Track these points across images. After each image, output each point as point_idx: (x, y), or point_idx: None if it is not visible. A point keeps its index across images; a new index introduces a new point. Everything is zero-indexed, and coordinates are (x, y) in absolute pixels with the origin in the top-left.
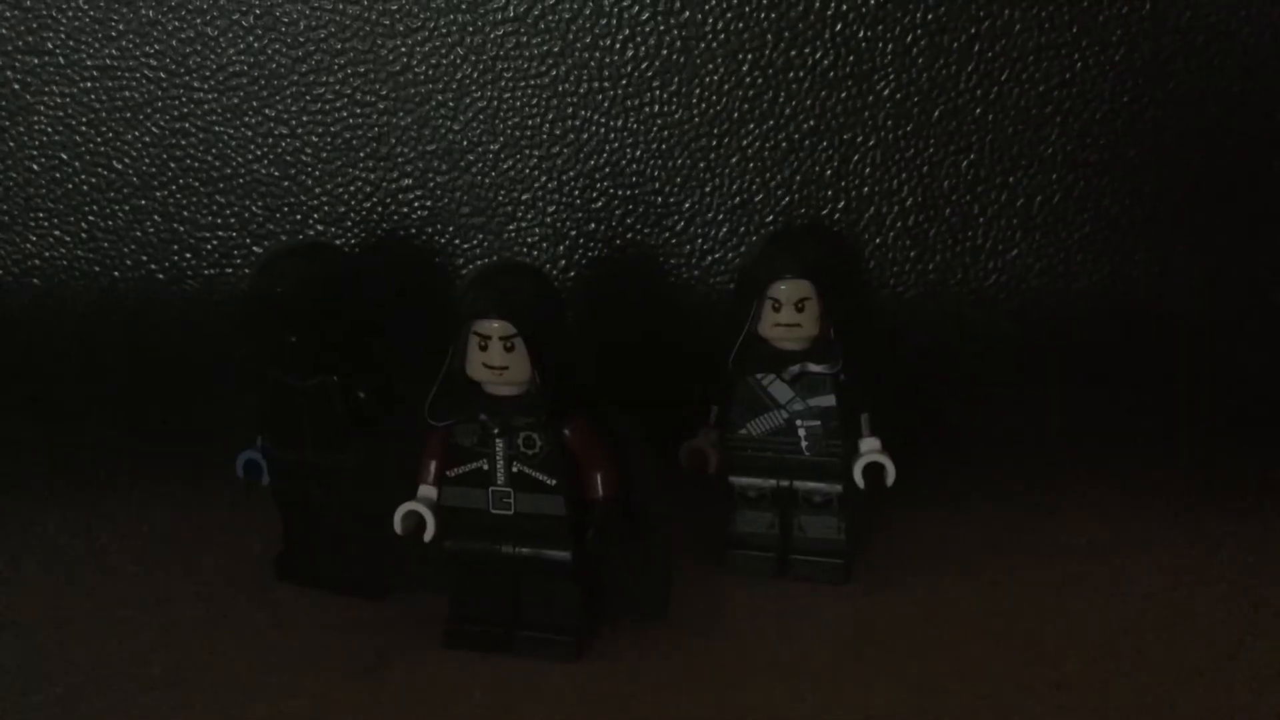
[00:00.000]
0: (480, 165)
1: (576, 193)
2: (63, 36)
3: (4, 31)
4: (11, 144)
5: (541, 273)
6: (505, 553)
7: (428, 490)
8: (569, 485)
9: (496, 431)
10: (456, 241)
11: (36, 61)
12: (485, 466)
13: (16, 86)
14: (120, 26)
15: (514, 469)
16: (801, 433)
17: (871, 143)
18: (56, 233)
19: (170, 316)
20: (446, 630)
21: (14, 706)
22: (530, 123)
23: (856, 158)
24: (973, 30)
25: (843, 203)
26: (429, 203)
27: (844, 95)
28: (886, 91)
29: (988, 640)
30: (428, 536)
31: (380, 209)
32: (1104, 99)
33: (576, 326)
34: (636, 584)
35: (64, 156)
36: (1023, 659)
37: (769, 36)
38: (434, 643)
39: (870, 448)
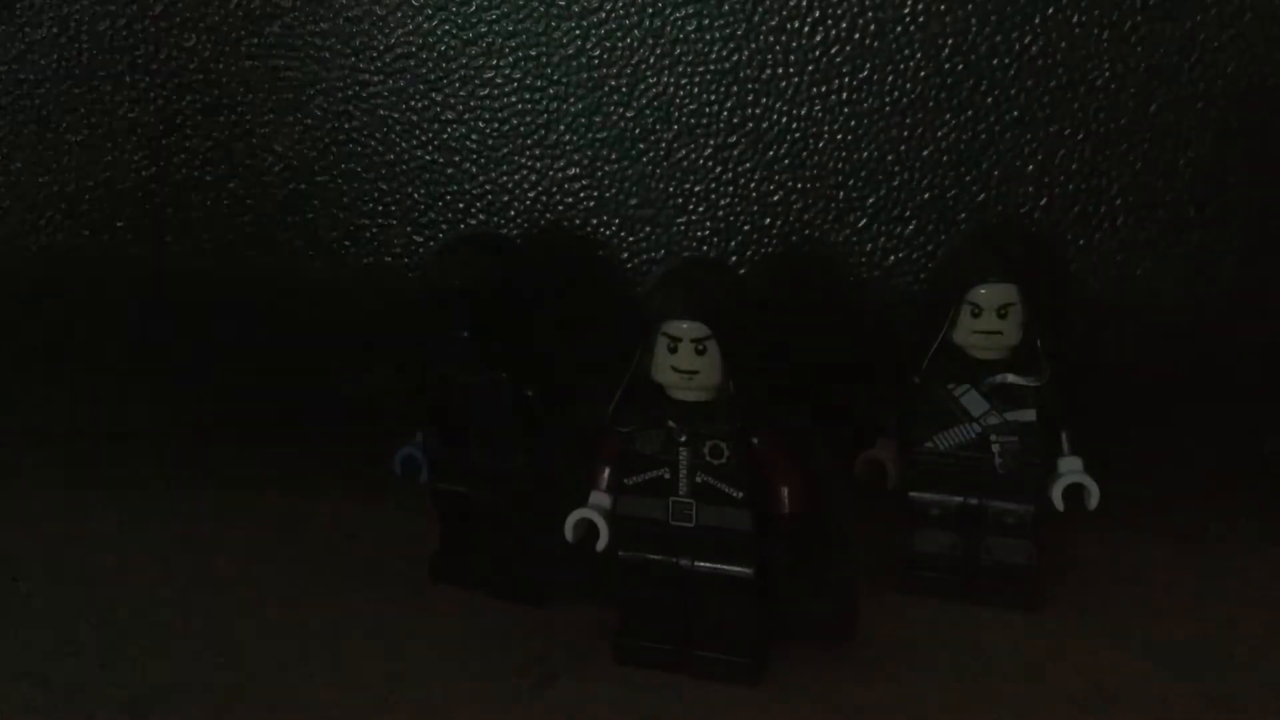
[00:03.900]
0: (652, 155)
1: (752, 185)
2: (226, 12)
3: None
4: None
5: (735, 271)
6: (683, 566)
7: (601, 497)
8: (756, 498)
9: (683, 439)
10: (622, 234)
11: (197, 40)
12: (667, 475)
13: (177, 65)
14: (285, 3)
15: (698, 479)
16: (996, 449)
17: (1080, 136)
18: (213, 215)
19: (326, 304)
20: (617, 644)
21: (157, 697)
22: (707, 110)
23: (1063, 152)
24: (1198, 17)
25: (1045, 200)
26: (595, 193)
27: (1053, 84)
28: (1100, 81)
29: (1182, 679)
30: (600, 545)
31: (545, 199)
32: None
33: (769, 330)
34: (820, 603)
35: (222, 137)
36: (1220, 704)
37: (973, 20)
38: (600, 655)
39: (1071, 468)
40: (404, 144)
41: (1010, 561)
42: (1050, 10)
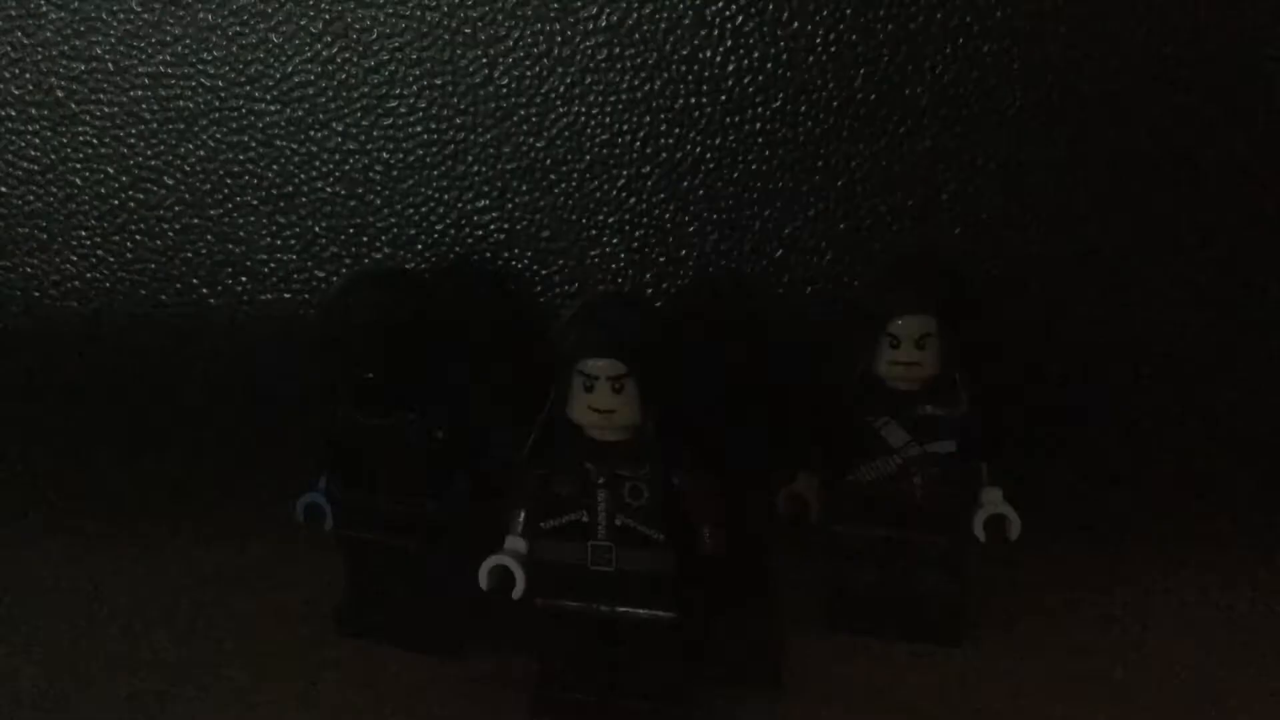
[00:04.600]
0: (564, 186)
1: (667, 217)
2: (112, 41)
3: (49, 35)
4: (54, 156)
5: (650, 307)
6: (604, 612)
7: (516, 542)
8: (677, 540)
9: (600, 481)
10: (535, 267)
11: (83, 68)
12: (585, 518)
13: (61, 94)
14: (175, 31)
15: (617, 521)
16: (917, 480)
17: (994, 166)
18: (100, 252)
19: (223, 344)
20: (536, 696)
21: None
22: (620, 140)
23: (978, 182)
24: (1110, 46)
25: (959, 229)
26: (506, 225)
27: (965, 114)
28: (1012, 111)
29: (1111, 709)
30: (517, 593)
31: (454, 231)
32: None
33: (689, 364)
34: (745, 646)
35: (110, 170)
36: None
37: (884, 50)
38: (518, 707)
39: (992, 499)
40: (303, 176)
41: (935, 594)
42: (961, 40)
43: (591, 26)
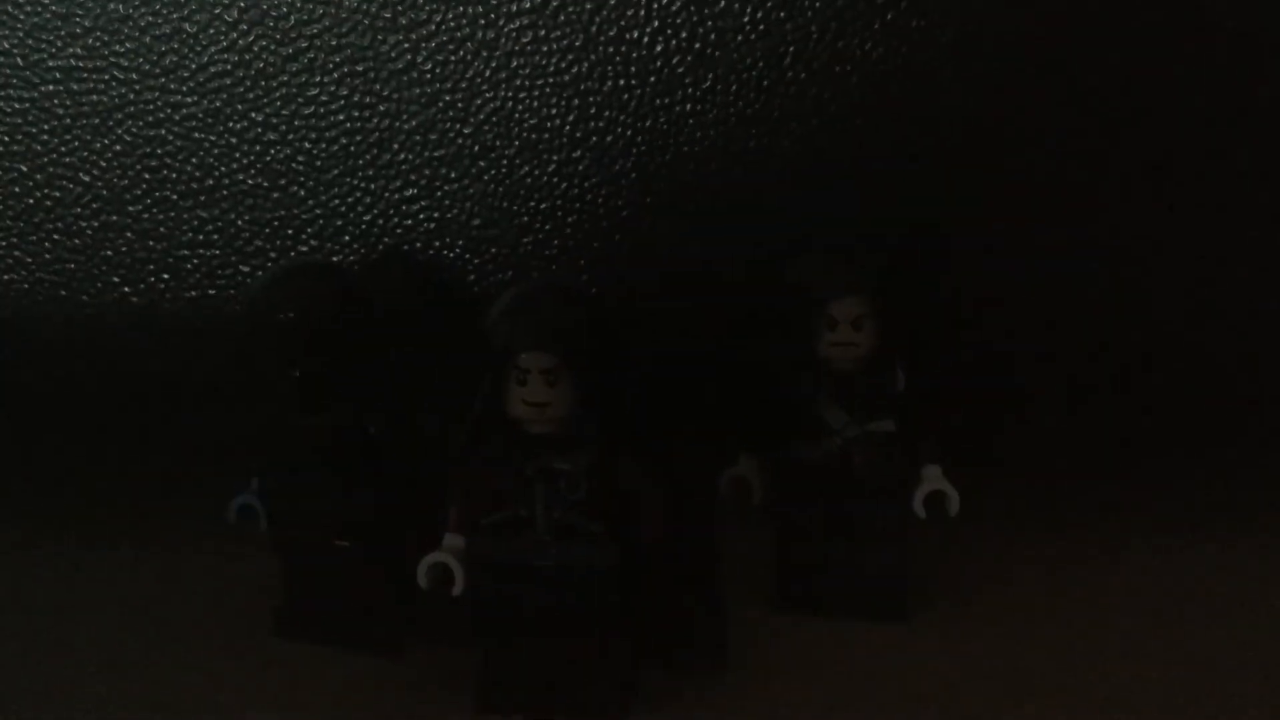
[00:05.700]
0: (493, 172)
1: (600, 201)
2: (21, 34)
3: None
4: None
5: (586, 293)
6: (545, 606)
7: (454, 539)
8: (617, 531)
9: (538, 474)
10: (467, 256)
11: None
12: (523, 513)
13: None
14: (86, 23)
15: (555, 515)
16: (858, 460)
17: (928, 143)
18: (16, 253)
19: (146, 344)
20: (478, 692)
21: None
22: (549, 125)
23: (912, 156)
24: (1037, 20)
25: (895, 208)
26: (436, 214)
27: (896, 91)
28: (944, 87)
29: (1054, 686)
30: (456, 591)
31: (382, 222)
32: None
33: (625, 351)
34: (690, 632)
35: (23, 168)
36: (1096, 708)
37: (813, 28)
38: (461, 705)
39: (932, 475)
40: (223, 168)
41: (879, 571)
42: (890, 16)
43: (515, 8)
